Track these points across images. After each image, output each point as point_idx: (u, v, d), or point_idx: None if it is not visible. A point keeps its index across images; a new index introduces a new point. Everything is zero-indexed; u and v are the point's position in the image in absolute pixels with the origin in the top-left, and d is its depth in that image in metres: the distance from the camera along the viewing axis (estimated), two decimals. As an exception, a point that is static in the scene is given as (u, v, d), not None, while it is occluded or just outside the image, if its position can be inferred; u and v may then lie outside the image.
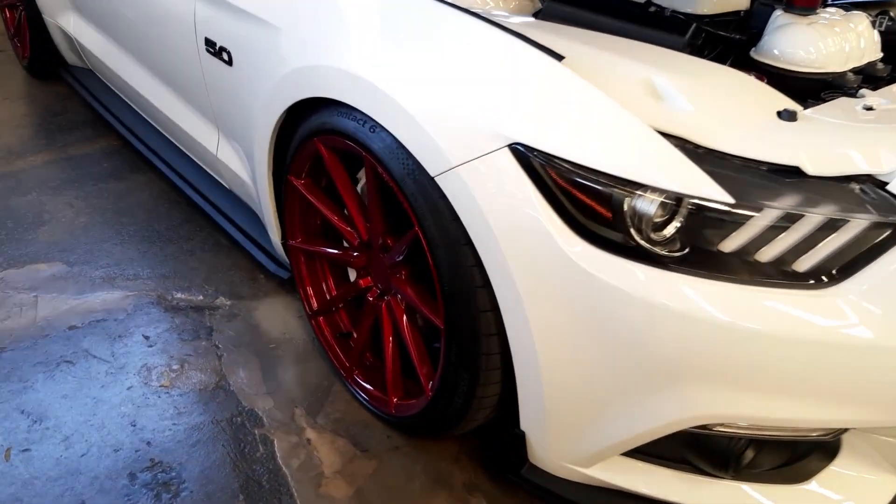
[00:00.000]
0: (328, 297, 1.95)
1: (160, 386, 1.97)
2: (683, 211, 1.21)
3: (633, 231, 1.22)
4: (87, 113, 3.49)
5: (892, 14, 1.82)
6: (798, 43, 1.52)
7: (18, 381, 1.96)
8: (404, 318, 1.70)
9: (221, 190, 2.49)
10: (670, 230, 1.22)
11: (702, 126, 1.23)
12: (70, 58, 3.47)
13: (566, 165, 1.23)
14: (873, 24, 1.65)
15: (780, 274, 1.22)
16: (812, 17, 1.57)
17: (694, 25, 1.50)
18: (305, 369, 2.04)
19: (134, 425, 1.85)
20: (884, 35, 1.67)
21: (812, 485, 1.39)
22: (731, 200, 1.17)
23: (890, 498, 1.39)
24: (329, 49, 1.56)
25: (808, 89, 1.48)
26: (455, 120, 1.33)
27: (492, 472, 1.74)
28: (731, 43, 1.67)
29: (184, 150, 2.60)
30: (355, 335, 1.89)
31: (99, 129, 3.34)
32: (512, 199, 1.28)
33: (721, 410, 1.25)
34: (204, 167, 2.51)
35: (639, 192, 1.20)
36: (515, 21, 1.50)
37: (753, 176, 1.20)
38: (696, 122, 1.24)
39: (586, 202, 1.23)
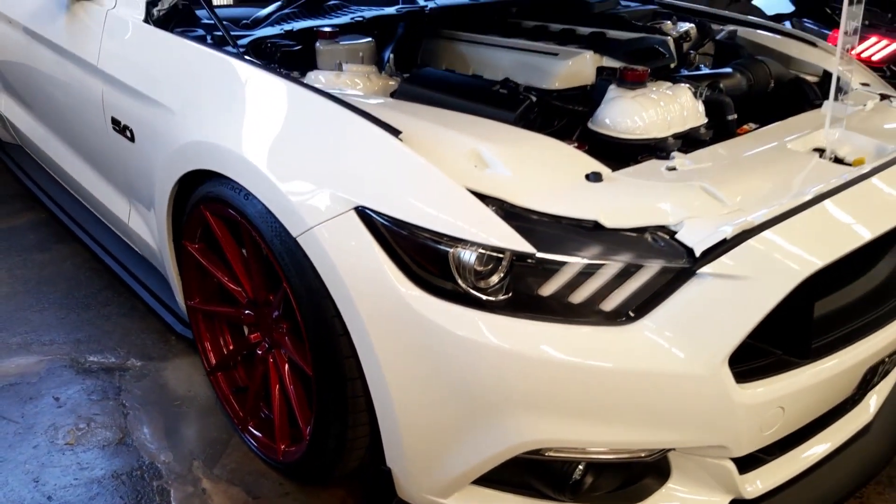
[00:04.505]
0: (225, 353, 2.09)
1: (65, 444, 2.06)
2: (505, 262, 1.40)
3: (459, 279, 1.40)
4: (16, 187, 3.60)
5: (721, 86, 2.06)
6: (623, 113, 1.74)
7: (-74, 444, 2.04)
8: (286, 368, 1.85)
9: (136, 257, 2.62)
10: (495, 279, 1.41)
11: (517, 189, 1.43)
12: (2, 134, 3.61)
13: (402, 225, 1.41)
14: (696, 94, 1.89)
15: (591, 314, 1.40)
16: (639, 91, 1.80)
17: (526, 102, 1.72)
18: (206, 424, 2.15)
19: (37, 481, 1.93)
20: (708, 104, 1.90)
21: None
22: (534, 251, 1.36)
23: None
24: (209, 128, 1.74)
25: (630, 153, 1.70)
26: (310, 187, 1.52)
27: (373, 512, 1.86)
28: (575, 115, 1.89)
29: (102, 219, 2.74)
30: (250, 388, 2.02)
31: (28, 203, 3.45)
32: (359, 254, 1.45)
33: (544, 436, 1.41)
34: (120, 235, 2.65)
35: (459, 246, 1.39)
36: (370, 102, 1.71)
37: (558, 230, 1.40)
38: (513, 185, 1.44)
39: (420, 256, 1.41)
